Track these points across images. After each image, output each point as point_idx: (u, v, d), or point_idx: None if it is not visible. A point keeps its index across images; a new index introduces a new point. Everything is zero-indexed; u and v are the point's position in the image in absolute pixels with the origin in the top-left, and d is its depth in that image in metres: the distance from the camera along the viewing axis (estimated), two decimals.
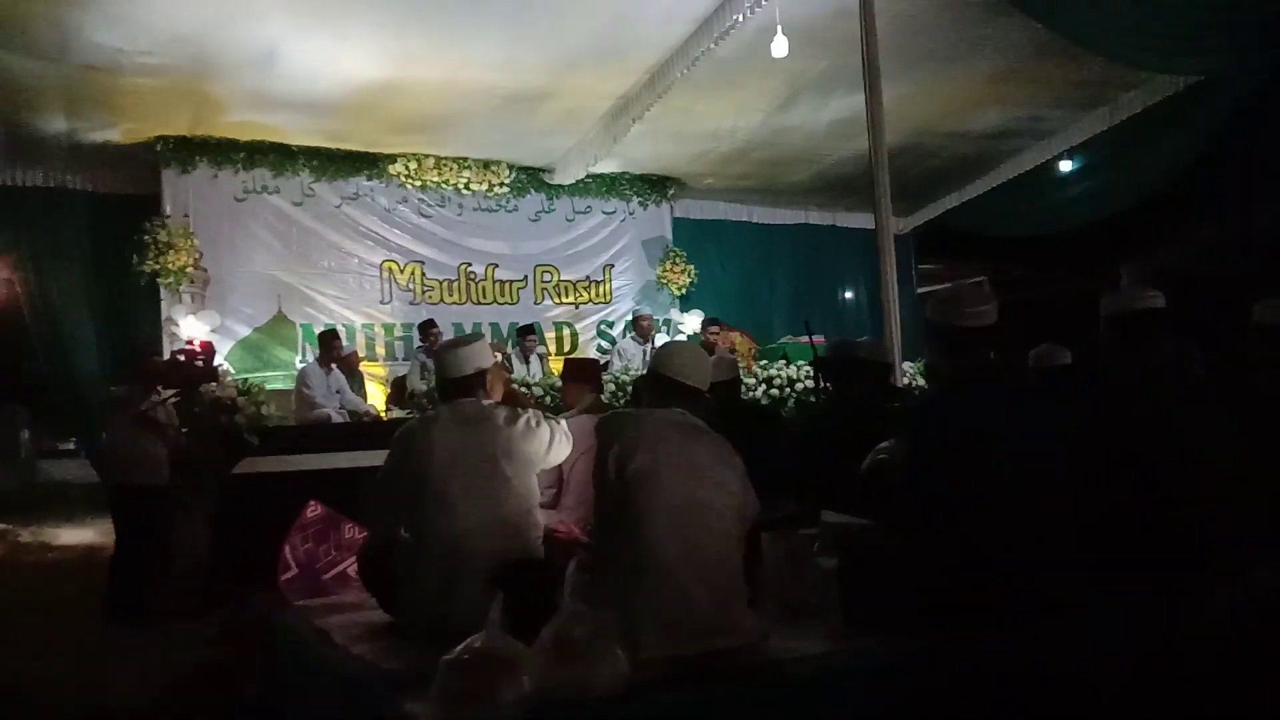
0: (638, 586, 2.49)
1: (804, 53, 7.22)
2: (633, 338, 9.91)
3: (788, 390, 8.15)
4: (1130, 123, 9.31)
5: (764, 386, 8.30)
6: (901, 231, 11.90)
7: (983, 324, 2.92)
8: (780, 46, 6.73)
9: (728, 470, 2.69)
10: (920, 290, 13.10)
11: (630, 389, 7.05)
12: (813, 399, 7.53)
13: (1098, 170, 10.35)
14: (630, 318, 10.54)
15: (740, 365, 6.58)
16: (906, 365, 7.09)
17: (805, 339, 9.05)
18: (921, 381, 7.69)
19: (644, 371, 2.99)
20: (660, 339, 9.99)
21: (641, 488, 2.56)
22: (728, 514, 2.65)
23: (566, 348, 10.91)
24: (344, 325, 9.64)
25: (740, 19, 6.78)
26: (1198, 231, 11.06)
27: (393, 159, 10.03)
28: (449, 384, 3.33)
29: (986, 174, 11.36)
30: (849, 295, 13.12)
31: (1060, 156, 10.40)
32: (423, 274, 10.40)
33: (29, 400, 13.81)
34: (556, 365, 9.34)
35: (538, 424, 3.30)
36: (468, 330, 9.51)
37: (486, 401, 3.33)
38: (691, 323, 10.73)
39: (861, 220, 11.07)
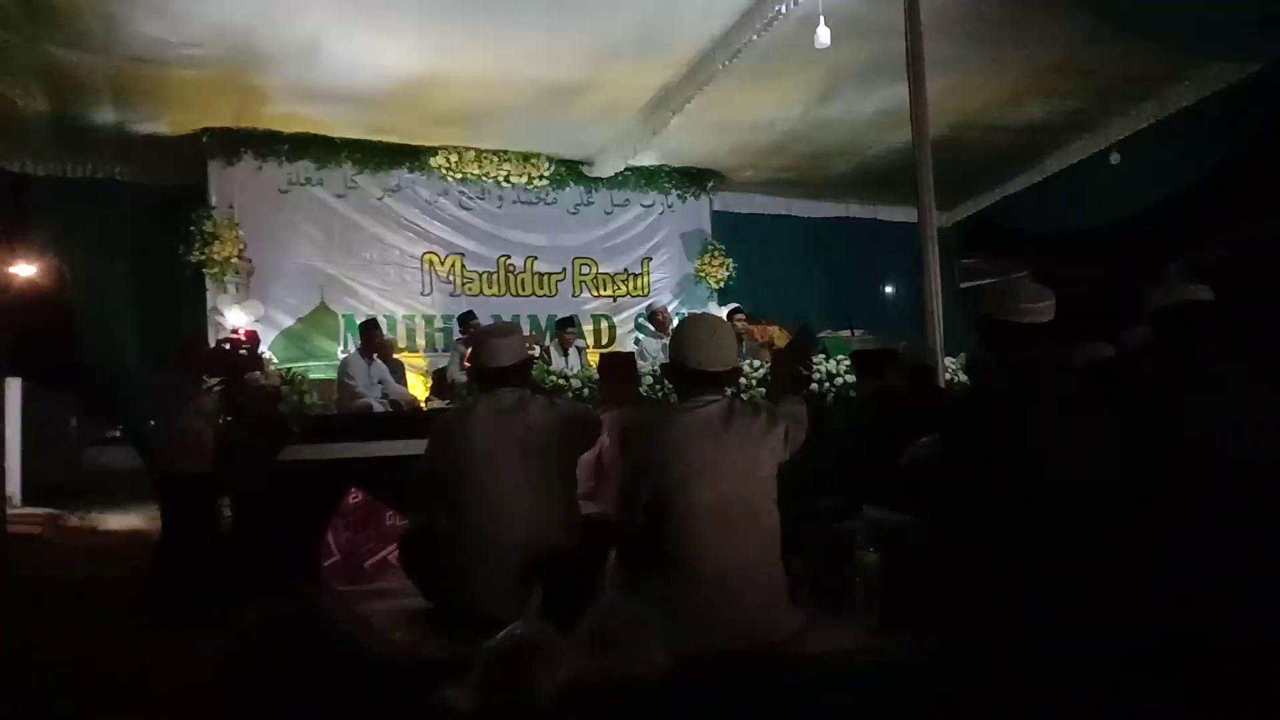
0: (676, 583, 2.48)
1: (846, 43, 7.14)
2: (652, 333, 9.88)
3: (827, 385, 8.08)
4: (1179, 116, 9.12)
5: None
6: (944, 226, 11.75)
7: (1038, 321, 2.85)
8: (824, 36, 6.67)
9: (761, 448, 2.64)
10: (963, 285, 12.93)
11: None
12: (852, 394, 7.47)
13: (1145, 165, 10.13)
14: (648, 312, 10.52)
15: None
16: (948, 361, 6.99)
17: (846, 333, 8.99)
18: (964, 378, 7.59)
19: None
20: None
21: (673, 500, 2.53)
22: (764, 504, 2.62)
23: (605, 340, 10.93)
24: (385, 316, 9.74)
25: (782, 10, 6.72)
26: (1247, 229, 10.80)
27: (434, 151, 10.09)
28: (490, 373, 3.29)
29: (1031, 168, 11.19)
30: (890, 290, 12.97)
31: (1107, 150, 10.18)
32: (463, 266, 10.46)
33: (77, 388, 14.02)
34: (595, 358, 9.35)
35: (570, 409, 3.30)
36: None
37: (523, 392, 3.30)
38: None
39: (903, 214, 10.84)
